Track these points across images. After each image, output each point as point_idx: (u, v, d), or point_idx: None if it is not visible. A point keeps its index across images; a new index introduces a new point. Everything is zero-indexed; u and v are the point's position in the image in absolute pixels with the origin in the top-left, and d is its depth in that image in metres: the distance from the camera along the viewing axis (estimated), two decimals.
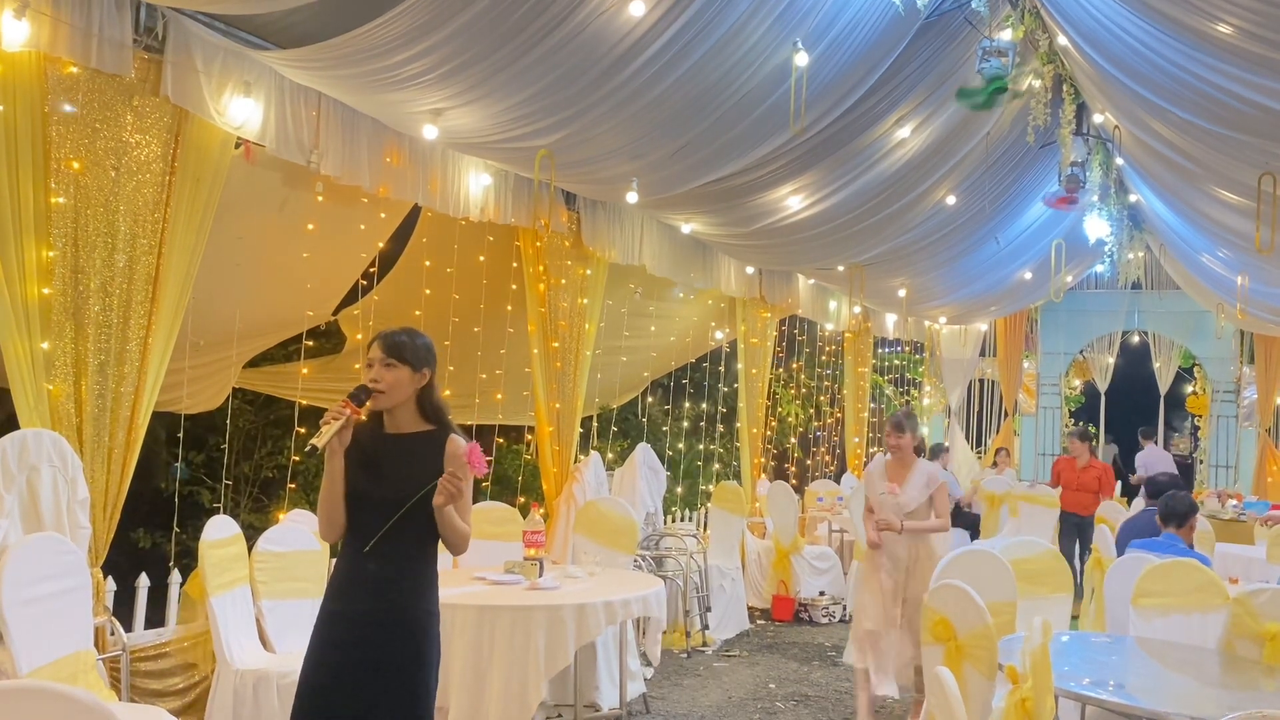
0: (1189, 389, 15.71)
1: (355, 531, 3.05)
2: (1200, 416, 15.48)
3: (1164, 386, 15.22)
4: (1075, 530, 9.84)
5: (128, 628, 4.61)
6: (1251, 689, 4.01)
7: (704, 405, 11.33)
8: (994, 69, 6.02)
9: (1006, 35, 6.31)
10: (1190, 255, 11.36)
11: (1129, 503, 10.11)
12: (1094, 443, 10.33)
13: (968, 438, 15.60)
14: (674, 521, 9.31)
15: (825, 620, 8.75)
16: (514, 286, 7.26)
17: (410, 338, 3.14)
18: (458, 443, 3.11)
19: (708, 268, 9.09)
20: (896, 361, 15.34)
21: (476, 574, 5.36)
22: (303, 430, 6.93)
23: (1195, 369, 15.36)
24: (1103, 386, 15.52)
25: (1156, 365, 15.28)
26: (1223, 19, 4.77)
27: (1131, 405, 16.14)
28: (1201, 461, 15.27)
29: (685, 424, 11.40)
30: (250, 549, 4.83)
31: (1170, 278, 13.84)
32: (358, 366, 7.47)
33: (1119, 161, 8.95)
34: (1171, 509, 5.50)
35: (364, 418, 3.09)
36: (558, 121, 5.43)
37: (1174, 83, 5.92)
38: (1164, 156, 7.83)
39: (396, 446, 3.09)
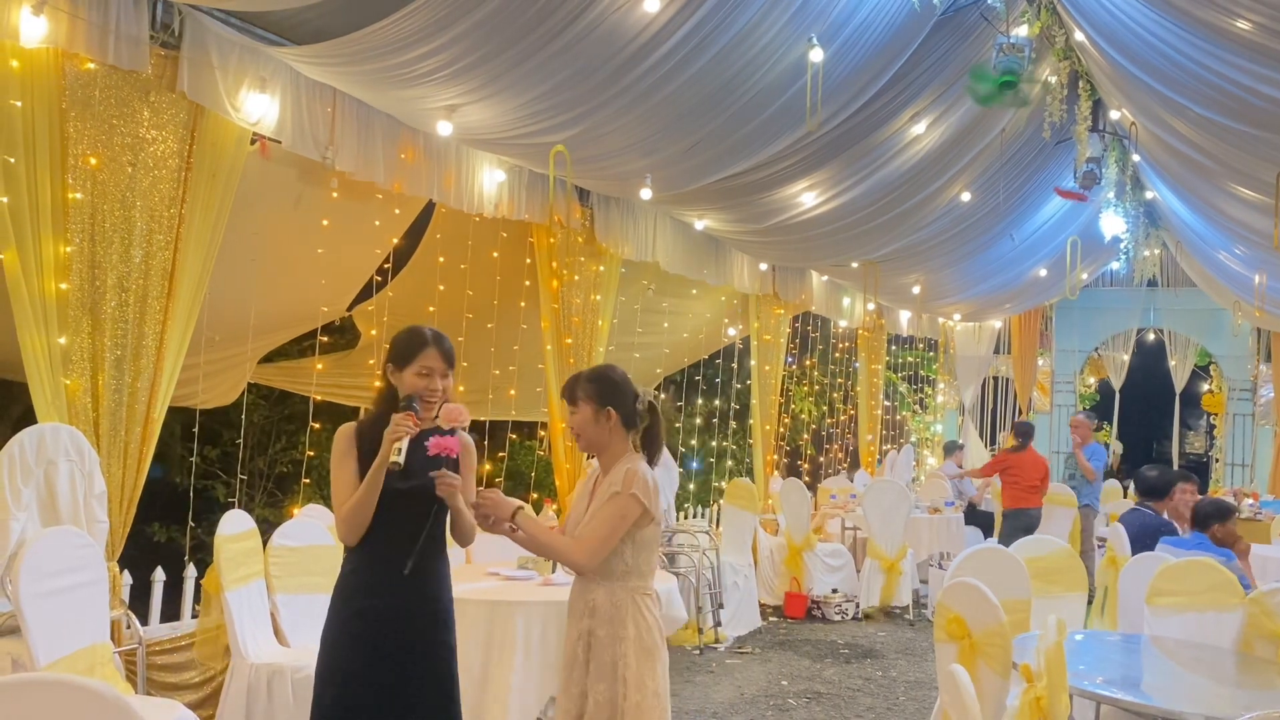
0: (1205, 387, 15.62)
1: (384, 528, 3.05)
2: (1216, 415, 15.39)
3: (1179, 384, 15.14)
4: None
5: (144, 621, 4.64)
6: (1268, 689, 3.98)
7: (717, 402, 11.32)
8: (1008, 65, 5.99)
9: (1022, 31, 6.28)
10: (1207, 252, 11.29)
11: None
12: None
13: (981, 435, 15.55)
14: (686, 518, 9.31)
15: (838, 617, 8.74)
16: (527, 283, 7.27)
17: (452, 345, 3.20)
18: (468, 439, 3.20)
19: (721, 264, 9.08)
20: (910, 358, 15.29)
21: (490, 569, 5.37)
22: (317, 425, 6.96)
23: (1211, 367, 15.28)
24: (1117, 384, 15.45)
25: (1172, 363, 15.20)
26: (1241, 15, 4.74)
27: (1146, 403, 16.06)
28: (1217, 460, 15.18)
29: (698, 421, 11.40)
30: (265, 544, 4.85)
31: (1186, 275, 13.76)
32: (371, 362, 7.51)
33: (1135, 158, 8.90)
34: (1197, 511, 5.58)
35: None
36: (572, 118, 5.43)
37: (1191, 79, 5.88)
38: (1181, 153, 7.78)
39: (413, 442, 3.11)
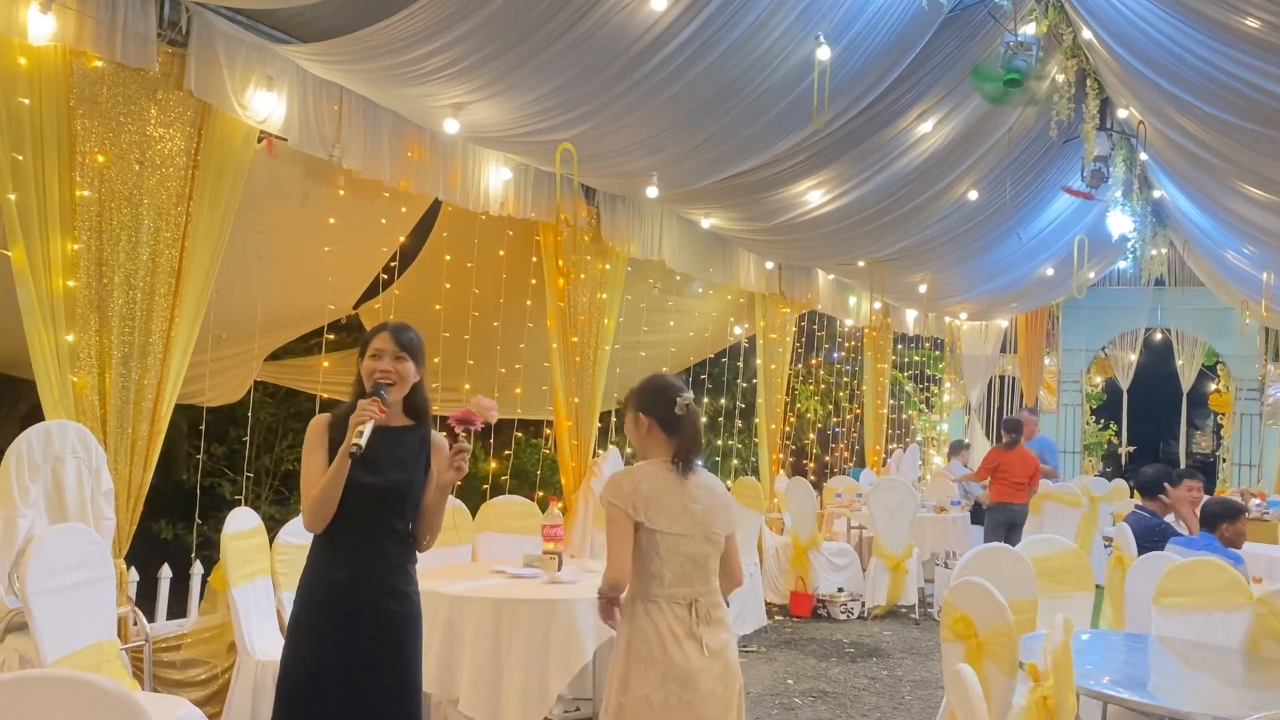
0: (1212, 387, 15.58)
1: (350, 521, 3.04)
2: (1223, 415, 15.35)
3: (1187, 384, 15.11)
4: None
5: (150, 618, 4.65)
6: (1276, 689, 3.97)
7: (723, 401, 11.32)
8: (1017, 64, 5.97)
9: (1030, 29, 6.26)
10: (1215, 251, 11.26)
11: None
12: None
13: (988, 435, 15.53)
14: None
15: (844, 616, 8.73)
16: (533, 281, 7.27)
17: (415, 334, 3.21)
18: (442, 440, 3.21)
19: (727, 263, 9.07)
20: (916, 357, 15.27)
21: (495, 568, 5.37)
22: None
23: (1218, 367, 15.24)
24: (1125, 384, 15.42)
25: (1179, 363, 15.16)
26: (1250, 12, 4.73)
27: (1154, 403, 16.02)
28: (1224, 460, 15.14)
29: (703, 419, 11.39)
30: (271, 541, 4.86)
31: (1194, 274, 13.72)
32: None
33: (1143, 156, 8.87)
34: (1204, 512, 5.57)
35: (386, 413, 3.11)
36: (579, 115, 5.42)
37: (1200, 77, 5.86)
38: (1189, 152, 7.76)
39: (387, 439, 3.11)
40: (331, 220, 6.20)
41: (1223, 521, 5.41)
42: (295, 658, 3.04)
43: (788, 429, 11.73)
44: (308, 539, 4.89)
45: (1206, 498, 6.02)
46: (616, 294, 7.48)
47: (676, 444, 3.24)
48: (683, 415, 3.23)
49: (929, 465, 14.70)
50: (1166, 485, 6.33)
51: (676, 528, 3.15)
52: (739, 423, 11.30)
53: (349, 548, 3.06)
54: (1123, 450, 15.77)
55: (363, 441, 2.93)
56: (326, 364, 7.42)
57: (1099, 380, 16.43)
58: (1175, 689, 4.01)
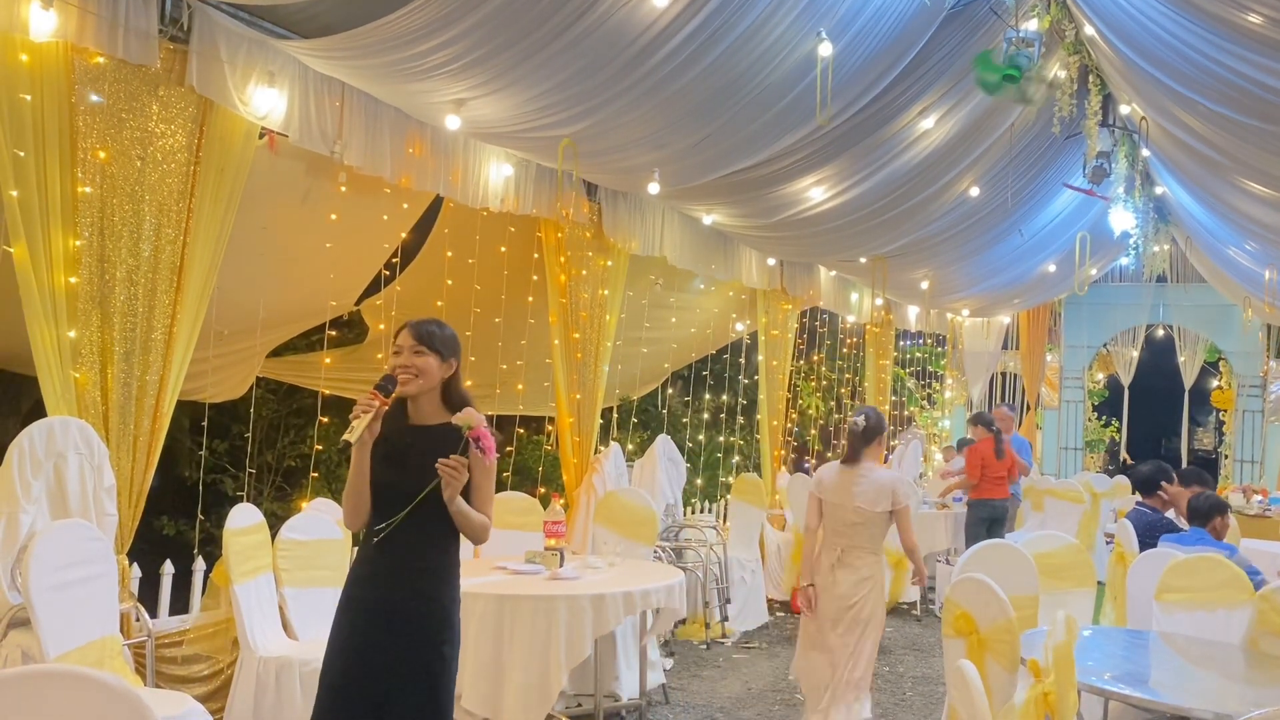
0: (1214, 383, 15.57)
1: (380, 520, 3.07)
2: (1225, 411, 15.34)
3: (1189, 381, 15.09)
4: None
5: (152, 614, 4.65)
6: (1277, 686, 3.97)
7: (724, 397, 11.31)
8: (1015, 60, 5.96)
9: (1032, 25, 6.25)
10: (1217, 248, 11.25)
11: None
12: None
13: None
14: (694, 513, 9.31)
15: None
16: (535, 277, 7.27)
17: (439, 328, 3.17)
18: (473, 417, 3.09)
19: (729, 259, 9.07)
20: (918, 354, 15.26)
21: (497, 563, 5.38)
22: (325, 419, 6.97)
23: (1221, 363, 15.22)
24: (1126, 380, 15.40)
25: (1181, 359, 15.15)
26: (1253, 8, 4.72)
27: (1156, 399, 16.01)
28: (1226, 457, 15.13)
29: (705, 416, 11.39)
30: (273, 537, 4.86)
31: (1196, 271, 13.70)
32: (380, 356, 7.52)
33: (1145, 153, 8.86)
34: (1194, 508, 5.57)
35: (388, 406, 3.10)
36: (581, 112, 5.42)
37: (1202, 74, 5.86)
38: (1191, 148, 7.75)
39: (420, 437, 3.09)
40: (333, 216, 6.20)
41: (1216, 515, 5.44)
42: (329, 648, 3.08)
43: (789, 425, 11.73)
44: (309, 535, 4.97)
45: (1201, 492, 6.00)
46: (618, 290, 7.48)
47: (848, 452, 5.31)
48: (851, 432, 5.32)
49: (930, 462, 14.70)
50: (1163, 482, 6.34)
51: (835, 500, 5.15)
52: (741, 419, 11.29)
53: (379, 544, 3.06)
54: (1123, 456, 15.75)
55: (353, 436, 2.94)
56: (328, 360, 7.42)
57: (1101, 377, 16.42)
58: (1177, 685, 4.01)
